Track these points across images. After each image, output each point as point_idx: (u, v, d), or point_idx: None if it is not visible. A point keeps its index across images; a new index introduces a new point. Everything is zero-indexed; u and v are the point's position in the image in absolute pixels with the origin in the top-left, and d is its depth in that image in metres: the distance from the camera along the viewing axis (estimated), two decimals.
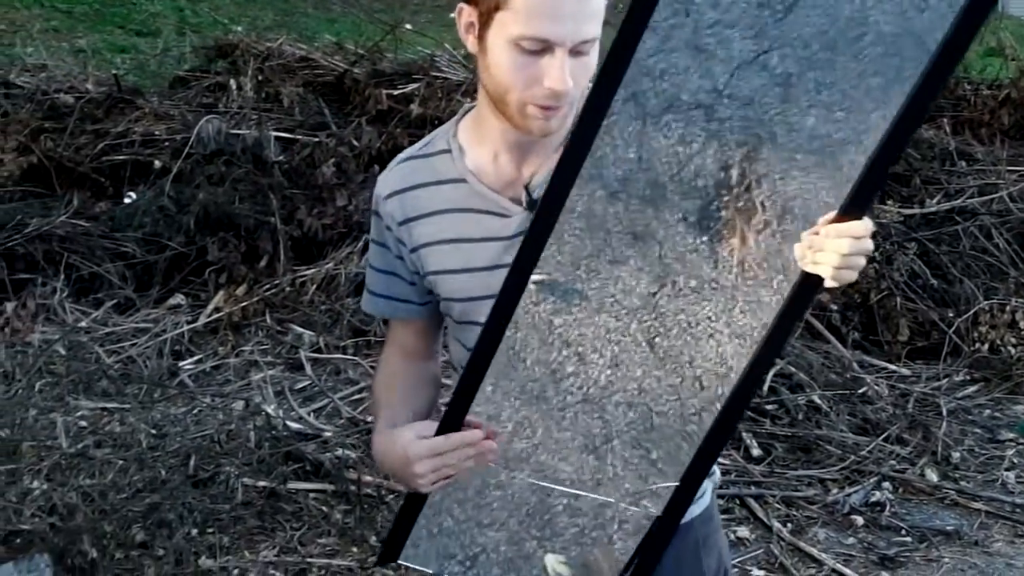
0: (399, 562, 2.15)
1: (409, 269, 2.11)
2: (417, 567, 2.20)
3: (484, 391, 1.94)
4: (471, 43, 1.94)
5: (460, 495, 2.08)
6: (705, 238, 1.83)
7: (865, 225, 1.78)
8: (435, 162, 2.07)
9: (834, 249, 1.76)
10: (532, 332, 1.90)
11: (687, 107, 1.77)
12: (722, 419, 1.96)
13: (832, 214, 1.77)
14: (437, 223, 2.04)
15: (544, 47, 1.83)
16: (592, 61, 1.88)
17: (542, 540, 2.05)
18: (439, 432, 1.94)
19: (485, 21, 1.88)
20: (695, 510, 2.20)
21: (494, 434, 1.95)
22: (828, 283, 1.80)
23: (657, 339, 1.88)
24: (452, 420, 1.95)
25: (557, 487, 2.03)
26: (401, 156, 2.13)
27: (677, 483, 2.01)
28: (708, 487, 2.25)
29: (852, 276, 1.80)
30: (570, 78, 1.84)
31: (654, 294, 1.86)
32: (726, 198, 1.80)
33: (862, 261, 1.79)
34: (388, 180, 2.11)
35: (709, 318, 1.87)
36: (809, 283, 1.83)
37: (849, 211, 1.77)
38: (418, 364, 2.23)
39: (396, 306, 2.18)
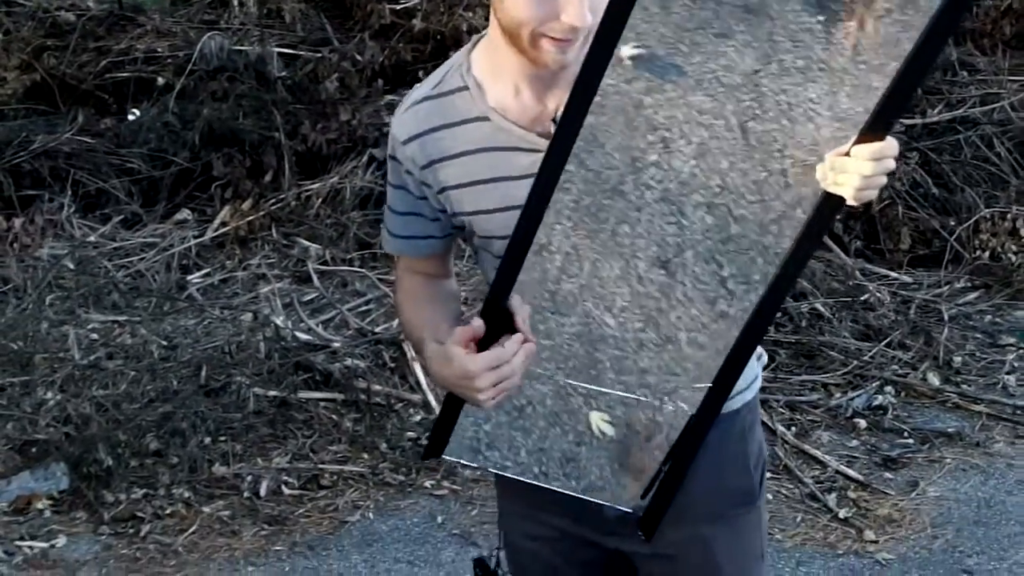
0: (443, 456, 2.15)
1: (433, 207, 2.07)
2: (460, 461, 2.21)
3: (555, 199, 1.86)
4: None
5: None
6: (822, 17, 1.75)
7: (889, 145, 1.80)
8: (454, 100, 2.01)
9: (856, 170, 1.78)
10: (617, 115, 1.80)
11: None
12: (744, 337, 1.98)
13: (853, 139, 1.78)
14: (464, 164, 2.00)
15: None
16: None
17: (588, 397, 2.01)
18: (483, 312, 1.89)
19: None
20: (747, 396, 2.22)
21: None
22: (850, 201, 1.82)
23: (751, 123, 1.80)
24: (492, 309, 1.90)
25: (586, 386, 2.04)
26: (415, 96, 2.06)
27: (710, 384, 2.02)
28: (758, 371, 2.27)
29: (873, 195, 1.83)
30: (588, 12, 1.81)
31: (757, 71, 1.78)
32: None
33: (883, 180, 1.82)
34: (404, 123, 2.04)
35: (811, 100, 1.80)
36: (831, 203, 1.84)
37: (872, 130, 1.78)
38: (440, 282, 2.21)
39: (418, 244, 2.14)
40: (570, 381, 2.04)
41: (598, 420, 2.03)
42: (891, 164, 1.81)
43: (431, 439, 2.15)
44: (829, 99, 1.79)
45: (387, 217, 2.17)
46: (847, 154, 1.79)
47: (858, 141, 1.79)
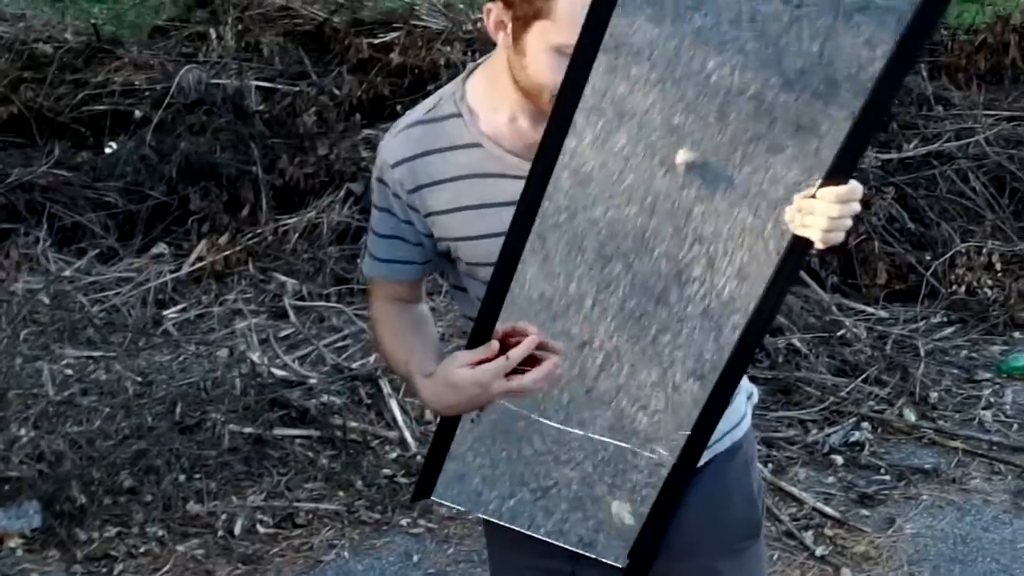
0: (432, 499, 2.19)
1: (418, 231, 2.10)
2: (450, 504, 2.26)
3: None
4: (500, 39, 1.93)
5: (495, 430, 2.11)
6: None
7: (853, 188, 1.83)
8: (446, 126, 2.04)
9: (823, 212, 1.81)
10: (667, 220, 1.85)
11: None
12: (721, 379, 2.01)
13: (818, 182, 1.82)
14: (454, 189, 2.03)
15: None
16: None
17: (612, 487, 2.06)
18: (471, 339, 1.96)
19: (522, 26, 1.88)
20: (744, 426, 2.27)
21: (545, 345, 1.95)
22: (818, 245, 1.85)
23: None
24: (482, 331, 1.96)
25: (571, 430, 2.07)
26: (406, 120, 2.09)
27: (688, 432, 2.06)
28: (748, 407, 2.31)
29: (840, 237, 1.86)
30: None
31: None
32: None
33: (849, 222, 1.85)
34: (394, 147, 2.07)
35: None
36: (799, 245, 1.88)
37: (836, 174, 1.82)
38: (413, 307, 2.24)
39: (398, 269, 2.17)
40: (554, 424, 2.07)
41: (619, 510, 2.08)
42: (856, 207, 1.85)
43: (420, 480, 2.18)
44: None
45: (370, 240, 2.19)
46: (814, 196, 1.82)
47: (823, 184, 1.82)
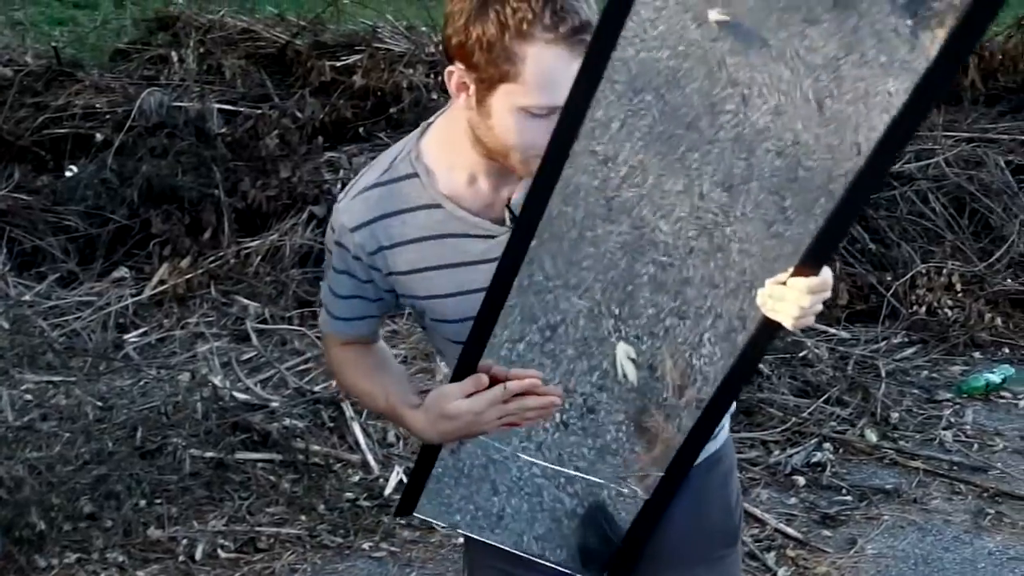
0: (415, 515, 2.24)
1: (379, 288, 2.10)
2: (432, 520, 2.33)
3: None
4: (462, 100, 1.92)
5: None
6: (910, 22, 1.76)
7: (824, 280, 1.87)
8: (403, 187, 2.03)
9: (795, 301, 1.84)
10: (699, 65, 1.79)
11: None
12: (694, 431, 2.06)
13: (791, 268, 1.84)
14: (417, 251, 2.02)
15: (554, 110, 1.83)
16: None
17: (618, 320, 1.98)
18: (455, 377, 1.99)
19: (487, 88, 1.87)
20: (721, 437, 2.31)
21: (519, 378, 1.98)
22: (788, 327, 1.89)
23: (828, 100, 1.80)
24: (466, 366, 1.99)
25: (551, 466, 2.11)
26: (362, 183, 2.07)
27: (662, 473, 2.12)
28: (727, 420, 2.32)
29: (810, 322, 1.90)
30: None
31: (839, 59, 1.78)
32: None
33: (820, 308, 1.89)
34: (352, 211, 2.05)
35: (889, 93, 1.78)
36: (769, 326, 1.91)
37: (808, 264, 1.83)
38: (374, 346, 2.26)
39: (358, 325, 2.18)
40: (533, 460, 2.11)
41: (624, 354, 2.01)
42: (827, 295, 1.89)
43: (403, 496, 2.22)
44: (904, 95, 1.78)
45: (328, 300, 2.18)
46: (784, 282, 1.85)
47: (796, 272, 1.84)
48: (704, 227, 1.84)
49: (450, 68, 1.92)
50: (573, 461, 2.10)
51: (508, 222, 1.98)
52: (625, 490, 2.14)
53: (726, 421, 2.33)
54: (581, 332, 1.94)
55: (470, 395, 1.95)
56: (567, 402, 2.01)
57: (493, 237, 1.98)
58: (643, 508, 2.16)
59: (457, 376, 1.98)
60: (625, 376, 1.98)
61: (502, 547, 2.23)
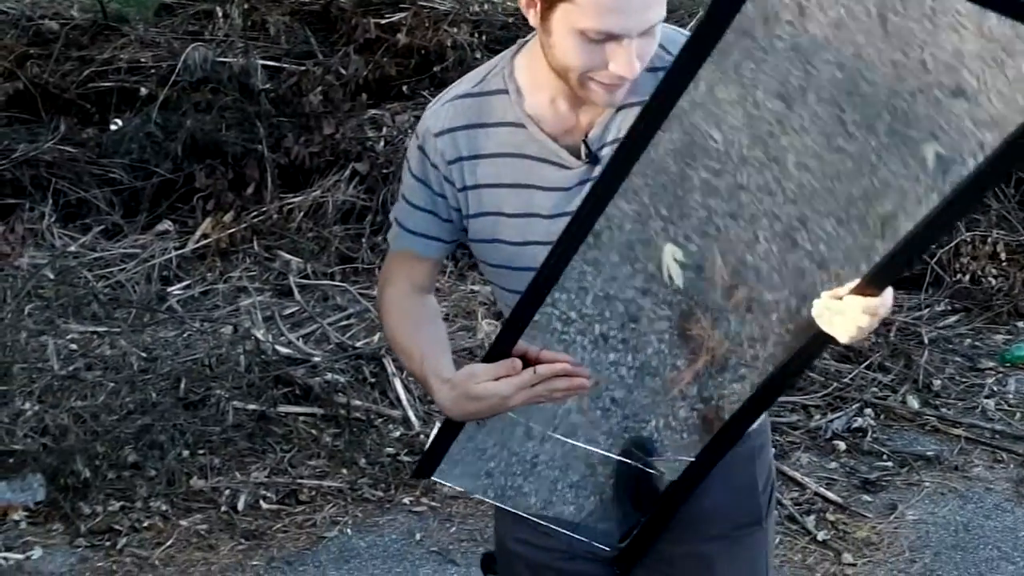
0: (433, 478, 2.18)
1: (450, 206, 2.08)
2: (450, 484, 2.26)
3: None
4: (531, 17, 1.92)
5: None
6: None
7: (885, 303, 1.83)
8: (492, 102, 2.03)
9: (853, 321, 1.80)
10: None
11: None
12: (739, 414, 2.02)
13: (854, 283, 1.79)
14: (495, 165, 2.02)
15: (610, 37, 1.82)
16: (657, 34, 1.88)
17: (667, 222, 1.90)
18: (489, 357, 1.94)
19: (548, 6, 1.87)
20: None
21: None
22: (843, 341, 1.85)
23: (891, 15, 1.64)
24: (501, 348, 1.93)
25: (582, 445, 2.07)
26: (455, 91, 2.08)
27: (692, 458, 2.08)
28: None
29: (864, 342, 1.86)
30: (636, 61, 1.84)
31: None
32: None
33: (875, 326, 1.85)
34: (439, 116, 2.06)
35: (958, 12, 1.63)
36: (822, 337, 1.87)
37: (873, 283, 1.79)
38: (426, 298, 2.22)
39: (428, 244, 2.14)
40: (564, 438, 2.07)
41: (671, 256, 1.92)
42: (885, 313, 1.84)
43: (423, 459, 2.17)
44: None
45: (401, 210, 2.16)
46: (842, 297, 1.81)
47: (858, 289, 1.79)
48: (758, 136, 1.76)
49: None
50: (610, 391, 2.03)
51: (584, 157, 1.97)
52: (651, 470, 2.09)
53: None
54: (627, 236, 1.86)
55: (499, 378, 1.91)
56: (608, 311, 1.94)
57: (568, 168, 1.98)
58: (684, 472, 2.11)
59: (494, 353, 1.94)
60: (671, 278, 1.90)
61: (524, 515, 2.20)
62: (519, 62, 2.04)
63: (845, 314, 1.80)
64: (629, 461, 2.09)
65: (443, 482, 2.24)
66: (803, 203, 1.78)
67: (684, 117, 1.73)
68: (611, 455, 2.08)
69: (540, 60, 1.97)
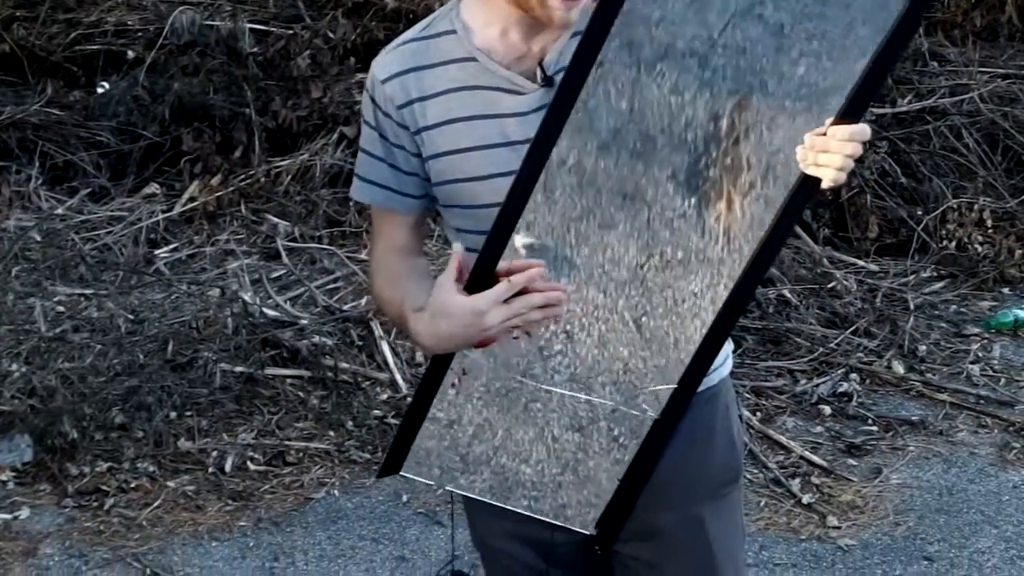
0: (401, 474, 2.12)
1: (410, 153, 2.04)
2: (419, 479, 2.18)
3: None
4: None
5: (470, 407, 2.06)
6: (693, 200, 1.83)
7: (864, 128, 1.83)
8: (440, 43, 2.01)
9: (838, 150, 1.81)
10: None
11: (681, 55, 1.77)
12: (720, 320, 1.98)
13: (831, 120, 1.80)
14: (444, 103, 1.99)
15: None
16: None
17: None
18: (470, 284, 1.85)
19: None
20: (723, 371, 2.23)
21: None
22: (825, 184, 1.85)
23: (644, 318, 1.88)
24: (483, 270, 1.85)
25: (554, 389, 2.03)
26: (400, 39, 2.06)
27: (676, 386, 2.04)
28: (728, 350, 2.25)
29: (843, 179, 1.85)
30: None
31: (642, 266, 1.85)
32: (714, 153, 1.80)
33: (852, 164, 1.84)
34: (385, 63, 2.03)
35: (694, 293, 1.88)
36: (806, 186, 1.86)
37: (847, 115, 1.80)
38: (414, 259, 2.15)
39: (392, 197, 2.09)
40: (530, 382, 2.02)
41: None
42: (861, 147, 1.84)
43: (389, 455, 2.11)
44: (710, 292, 1.90)
45: (360, 161, 2.13)
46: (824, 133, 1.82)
47: (835, 123, 1.81)
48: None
49: None
50: (581, 385, 2.02)
51: (539, 80, 1.96)
52: (636, 412, 2.05)
53: (729, 350, 2.26)
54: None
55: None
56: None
57: (523, 93, 1.96)
58: (651, 430, 2.07)
59: (472, 286, 1.85)
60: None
61: (499, 505, 2.16)
62: (466, 2, 2.02)
63: (830, 147, 1.81)
64: (608, 403, 2.04)
65: (414, 478, 2.16)
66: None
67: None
68: (592, 399, 2.03)
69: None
